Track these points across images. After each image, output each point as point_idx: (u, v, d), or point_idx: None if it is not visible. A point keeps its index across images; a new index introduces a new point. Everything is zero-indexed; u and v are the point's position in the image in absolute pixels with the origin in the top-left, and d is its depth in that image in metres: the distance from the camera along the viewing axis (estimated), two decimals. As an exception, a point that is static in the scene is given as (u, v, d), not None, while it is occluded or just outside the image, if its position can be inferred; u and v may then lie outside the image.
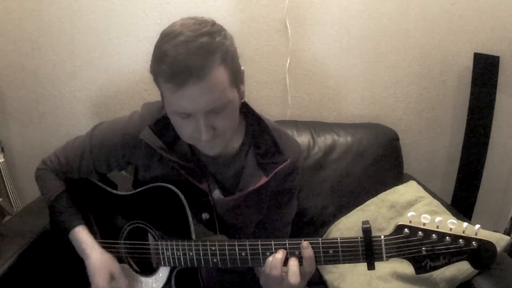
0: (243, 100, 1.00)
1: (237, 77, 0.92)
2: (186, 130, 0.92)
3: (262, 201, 1.09)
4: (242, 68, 0.96)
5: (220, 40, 0.85)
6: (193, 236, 0.99)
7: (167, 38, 0.85)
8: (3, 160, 1.80)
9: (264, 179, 1.02)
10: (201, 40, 0.82)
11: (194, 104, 0.85)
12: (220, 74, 0.85)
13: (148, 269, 1.07)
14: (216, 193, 1.07)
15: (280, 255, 0.90)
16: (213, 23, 0.88)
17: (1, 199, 1.80)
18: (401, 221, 0.85)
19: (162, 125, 1.02)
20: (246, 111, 1.07)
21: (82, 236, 1.08)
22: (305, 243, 0.89)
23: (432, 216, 0.84)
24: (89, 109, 1.82)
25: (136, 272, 1.09)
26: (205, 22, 0.87)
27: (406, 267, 1.25)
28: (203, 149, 0.98)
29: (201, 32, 0.84)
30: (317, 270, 1.48)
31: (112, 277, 1.05)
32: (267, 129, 1.05)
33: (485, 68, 1.70)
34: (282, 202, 1.13)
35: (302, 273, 0.90)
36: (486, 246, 0.82)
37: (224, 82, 0.86)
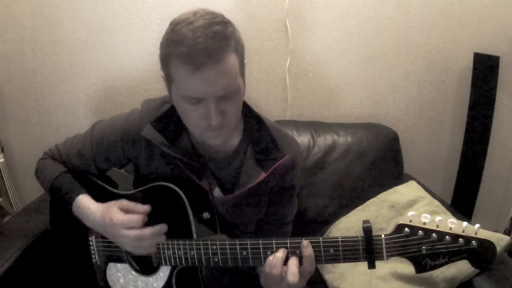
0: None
1: (243, 67, 0.96)
2: (195, 116, 0.92)
3: (262, 198, 1.09)
4: (245, 61, 0.98)
5: (232, 30, 0.90)
6: (194, 236, 0.99)
7: (182, 23, 0.87)
8: (3, 160, 1.80)
9: (263, 175, 1.03)
10: (217, 27, 0.86)
11: (209, 87, 0.87)
12: (232, 60, 0.89)
13: (149, 269, 1.07)
14: (217, 192, 1.07)
15: (280, 254, 0.90)
16: (223, 16, 0.92)
17: (1, 199, 1.80)
18: (401, 221, 0.85)
19: (163, 121, 1.03)
20: (245, 109, 1.08)
21: (87, 201, 1.06)
22: (305, 242, 0.90)
23: (432, 216, 0.84)
24: (89, 109, 1.82)
25: (137, 271, 1.09)
26: (216, 13, 0.90)
27: (406, 267, 1.25)
28: (208, 139, 0.97)
29: (215, 20, 0.87)
30: (317, 269, 1.48)
31: (125, 210, 0.99)
32: (265, 127, 1.06)
33: (485, 68, 1.70)
34: (283, 200, 1.13)
35: (301, 273, 0.90)
36: (485, 246, 0.82)
37: (235, 68, 0.90)
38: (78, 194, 1.07)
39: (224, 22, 0.89)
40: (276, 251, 0.91)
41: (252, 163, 1.05)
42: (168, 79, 0.93)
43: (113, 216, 0.97)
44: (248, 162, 1.06)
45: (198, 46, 0.83)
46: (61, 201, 1.09)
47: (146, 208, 0.99)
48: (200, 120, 0.92)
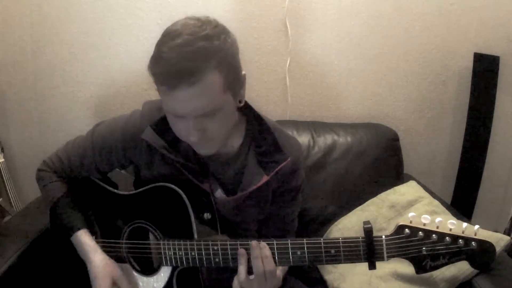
0: (241, 104, 1.00)
1: (233, 82, 0.91)
2: (179, 129, 0.94)
3: (264, 200, 1.09)
4: (244, 72, 0.96)
5: (218, 44, 0.85)
6: (195, 236, 0.99)
7: (166, 38, 0.86)
8: (3, 160, 1.80)
9: (265, 178, 1.02)
10: (198, 44, 0.83)
11: (184, 108, 0.87)
12: (213, 80, 0.85)
13: (150, 269, 1.07)
14: (219, 193, 1.07)
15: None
16: (216, 25, 0.88)
17: (1, 199, 1.80)
18: (402, 221, 0.85)
19: (163, 124, 1.02)
20: (247, 110, 1.07)
21: (84, 239, 1.08)
22: (253, 243, 0.93)
23: (432, 217, 0.84)
24: (89, 109, 1.82)
25: (138, 271, 1.09)
26: (206, 24, 0.86)
27: (406, 267, 1.26)
28: (197, 150, 0.98)
29: (200, 35, 0.84)
30: (317, 270, 1.48)
31: (114, 282, 1.05)
32: (267, 128, 1.06)
33: (485, 68, 1.71)
34: (286, 200, 1.13)
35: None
36: (485, 246, 0.83)
37: (216, 87, 0.86)
38: (77, 230, 1.09)
39: (211, 36, 0.84)
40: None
41: (254, 165, 1.05)
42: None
43: (102, 282, 1.03)
44: (250, 164, 1.05)
45: (172, 68, 0.82)
46: (59, 227, 1.13)
47: None
48: (184, 134, 0.93)
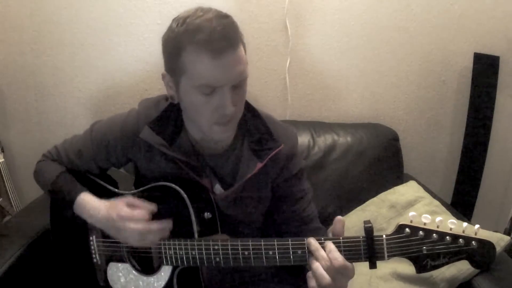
0: None
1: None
2: (207, 108, 0.92)
3: (263, 189, 1.10)
4: None
5: (237, 24, 0.92)
6: (196, 235, 0.99)
7: (192, 17, 0.88)
8: (3, 160, 1.80)
9: (259, 165, 1.03)
10: (227, 19, 0.90)
11: (228, 74, 0.88)
12: (242, 49, 0.92)
13: (150, 269, 1.07)
14: (218, 188, 1.07)
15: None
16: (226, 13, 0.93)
17: (1, 199, 1.80)
18: (402, 221, 0.85)
19: (161, 122, 1.03)
20: None
21: (88, 199, 1.05)
22: (311, 239, 0.88)
23: (433, 216, 0.84)
24: (89, 109, 1.82)
25: (138, 271, 1.09)
26: (219, 10, 0.92)
27: (406, 267, 1.26)
28: (216, 134, 0.97)
29: (222, 14, 0.90)
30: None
31: (131, 206, 1.00)
32: (259, 117, 1.08)
33: (485, 68, 1.71)
34: (292, 186, 1.13)
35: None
36: (485, 246, 0.82)
37: (245, 57, 0.93)
38: (80, 192, 1.07)
39: (230, 16, 0.91)
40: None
41: (248, 154, 1.06)
42: (178, 72, 0.92)
43: (120, 210, 0.98)
44: (245, 154, 1.06)
45: (217, 34, 0.85)
46: (62, 201, 1.09)
47: (152, 206, 1.00)
48: (213, 112, 0.92)
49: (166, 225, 0.98)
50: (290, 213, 1.13)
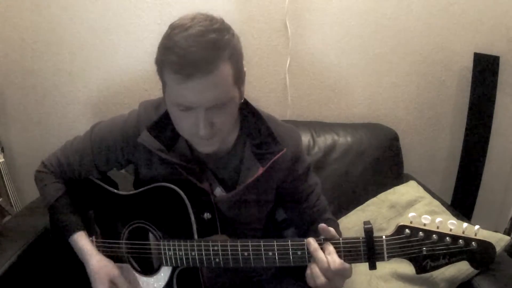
0: (242, 100, 1.00)
1: (239, 77, 0.93)
2: (184, 124, 0.92)
3: (265, 193, 1.09)
4: (245, 69, 0.96)
5: (229, 38, 0.87)
6: (196, 236, 0.99)
7: (178, 29, 0.85)
8: (3, 160, 1.80)
9: (261, 170, 1.02)
10: (211, 35, 0.84)
11: (197, 98, 0.86)
12: (226, 71, 0.86)
13: (150, 269, 1.07)
14: (218, 191, 1.07)
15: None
16: (222, 21, 0.90)
17: (1, 199, 1.80)
18: (402, 222, 0.85)
19: (160, 126, 1.03)
20: (241, 104, 1.06)
21: (82, 242, 1.09)
22: (310, 239, 0.89)
23: (433, 217, 0.84)
24: (89, 109, 1.82)
25: (138, 272, 1.09)
26: (215, 19, 0.88)
27: (406, 267, 1.26)
28: (199, 146, 0.97)
29: (212, 28, 0.85)
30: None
31: (112, 283, 1.05)
32: (261, 120, 1.06)
33: (485, 68, 1.71)
34: (302, 186, 1.13)
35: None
36: (485, 247, 0.83)
37: (228, 79, 0.88)
38: (74, 232, 1.10)
39: (221, 30, 0.87)
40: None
41: (251, 158, 1.05)
42: (162, 83, 0.93)
43: (100, 284, 1.04)
44: (246, 157, 1.05)
45: (188, 57, 0.82)
46: (58, 226, 1.13)
47: None
48: (190, 129, 0.92)
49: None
50: (301, 209, 1.14)
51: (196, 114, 0.88)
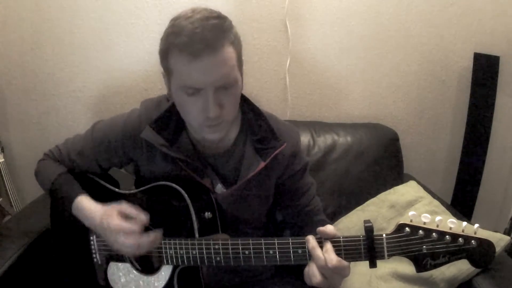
0: (242, 90, 1.01)
1: (241, 64, 0.96)
2: (193, 109, 0.93)
3: (265, 188, 1.10)
4: (243, 58, 0.98)
5: (229, 25, 0.92)
6: (197, 235, 0.99)
7: (181, 18, 0.89)
8: (3, 160, 1.80)
9: (262, 164, 1.04)
10: (214, 21, 0.89)
11: (206, 76, 0.88)
12: (230, 52, 0.90)
13: (150, 268, 1.07)
14: (219, 188, 1.08)
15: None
16: (220, 13, 0.93)
17: (1, 199, 1.80)
18: (402, 220, 0.85)
19: (162, 122, 1.03)
20: (242, 101, 1.07)
21: (85, 203, 1.05)
22: (309, 237, 0.89)
23: (433, 216, 0.84)
24: (89, 109, 1.82)
25: (138, 271, 1.09)
26: (213, 10, 0.92)
27: (407, 267, 1.26)
28: (206, 134, 0.97)
29: (213, 15, 0.90)
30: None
31: (122, 215, 0.98)
32: (262, 116, 1.08)
33: (485, 68, 1.71)
34: (297, 183, 1.14)
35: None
36: (485, 245, 0.83)
37: (233, 60, 0.91)
38: (77, 195, 1.06)
39: (222, 17, 0.91)
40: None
41: (251, 153, 1.06)
42: (168, 72, 0.94)
43: (111, 222, 0.97)
44: (247, 153, 1.06)
45: (196, 36, 0.86)
46: (61, 201, 1.09)
47: (144, 217, 0.97)
48: (198, 113, 0.92)
49: (155, 237, 0.97)
50: (295, 208, 1.15)
51: (204, 96, 0.90)
